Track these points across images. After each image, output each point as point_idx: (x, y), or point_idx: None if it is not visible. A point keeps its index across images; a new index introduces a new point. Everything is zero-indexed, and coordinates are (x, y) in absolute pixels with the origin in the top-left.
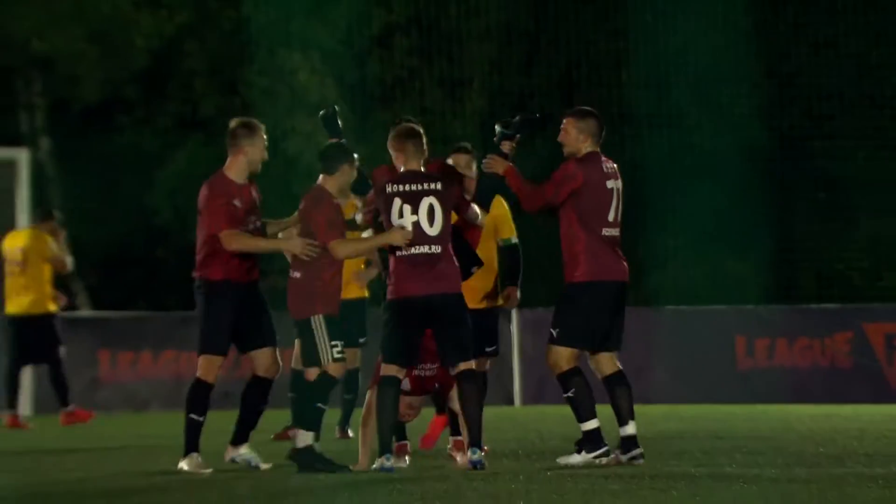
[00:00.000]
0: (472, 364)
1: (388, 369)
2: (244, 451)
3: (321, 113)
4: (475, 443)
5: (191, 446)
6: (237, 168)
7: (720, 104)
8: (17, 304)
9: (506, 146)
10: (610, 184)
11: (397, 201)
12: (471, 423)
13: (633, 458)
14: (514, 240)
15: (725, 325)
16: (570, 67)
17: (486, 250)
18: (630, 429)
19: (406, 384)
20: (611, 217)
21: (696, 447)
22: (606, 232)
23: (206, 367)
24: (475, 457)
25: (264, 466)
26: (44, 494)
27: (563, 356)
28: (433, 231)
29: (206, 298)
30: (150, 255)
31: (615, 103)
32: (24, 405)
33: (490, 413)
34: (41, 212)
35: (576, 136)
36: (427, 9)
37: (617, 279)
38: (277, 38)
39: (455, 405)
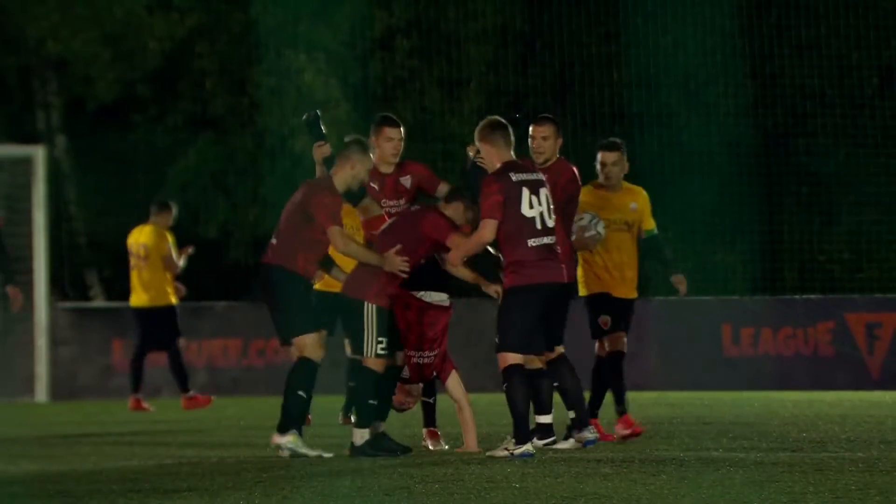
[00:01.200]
0: (562, 348)
1: (514, 358)
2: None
3: (304, 117)
4: (584, 422)
5: (294, 423)
6: (342, 177)
7: (707, 103)
8: (140, 297)
9: None
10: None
11: (525, 191)
12: (576, 403)
13: (550, 443)
14: (657, 230)
15: (712, 314)
16: (563, 68)
17: (628, 243)
18: (548, 419)
19: (405, 371)
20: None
21: (685, 432)
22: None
23: (311, 345)
24: (590, 436)
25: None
26: (58, 479)
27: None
28: (551, 223)
29: (285, 285)
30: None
31: (607, 103)
32: (41, 392)
33: (485, 399)
34: (158, 205)
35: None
36: (427, 12)
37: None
38: (284, 39)
39: (455, 393)
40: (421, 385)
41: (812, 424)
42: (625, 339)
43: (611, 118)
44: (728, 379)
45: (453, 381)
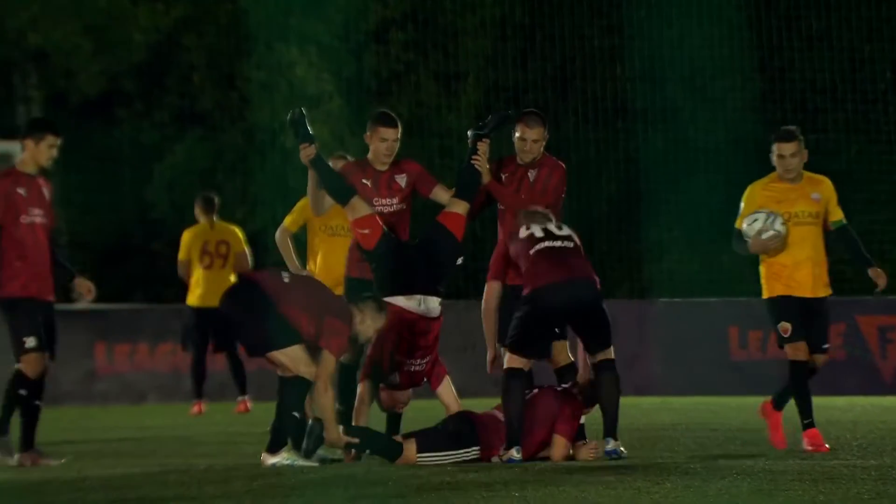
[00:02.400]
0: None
1: (515, 361)
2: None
3: (288, 117)
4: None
5: (284, 442)
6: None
7: (714, 98)
8: (213, 298)
9: (482, 146)
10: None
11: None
12: (607, 410)
13: None
14: (845, 220)
15: (719, 316)
16: (564, 62)
17: (814, 236)
18: None
19: (395, 377)
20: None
21: (690, 438)
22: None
23: (306, 360)
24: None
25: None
26: (39, 488)
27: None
28: (563, 231)
29: (272, 302)
30: (148, 247)
31: (610, 98)
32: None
33: (485, 404)
34: (206, 202)
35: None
36: (423, 3)
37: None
38: (275, 32)
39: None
40: (410, 391)
41: (822, 430)
42: (814, 350)
43: (614, 113)
44: (735, 383)
45: (445, 388)
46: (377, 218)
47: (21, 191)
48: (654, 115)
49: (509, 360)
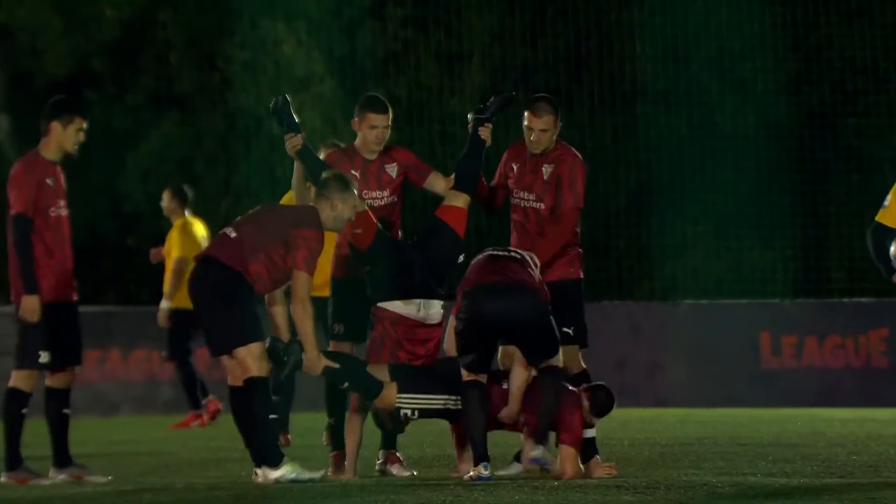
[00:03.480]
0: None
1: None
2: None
3: (271, 104)
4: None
5: (279, 452)
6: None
7: (743, 79)
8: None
9: (484, 131)
10: None
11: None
12: (543, 416)
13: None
14: None
15: (749, 320)
16: (578, 39)
17: None
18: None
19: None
20: None
21: (717, 454)
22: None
23: (258, 359)
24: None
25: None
26: None
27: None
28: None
29: (238, 290)
30: (121, 243)
31: (628, 79)
32: None
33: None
34: (181, 195)
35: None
36: None
37: None
38: (260, 7)
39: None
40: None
41: (863, 446)
42: None
43: (632, 96)
44: (767, 394)
45: None
46: (371, 215)
47: (49, 181)
48: (677, 99)
49: (465, 374)
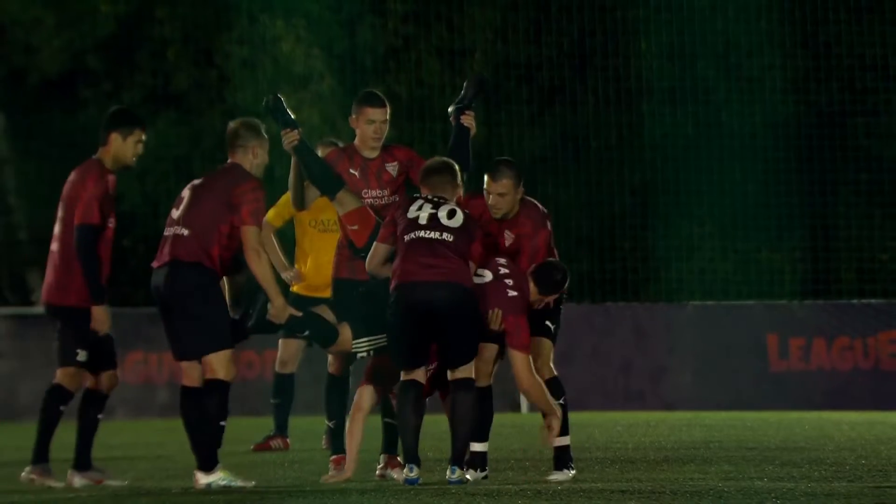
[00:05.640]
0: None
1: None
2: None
3: (263, 103)
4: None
5: (216, 457)
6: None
7: (750, 77)
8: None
9: (466, 119)
10: None
11: (419, 201)
12: (458, 434)
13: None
14: None
15: (756, 322)
16: (583, 36)
17: None
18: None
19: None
20: None
21: (724, 458)
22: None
23: (226, 365)
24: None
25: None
26: None
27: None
28: (451, 223)
29: (202, 288)
30: (117, 244)
31: (633, 77)
32: None
33: (495, 420)
34: None
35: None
36: None
37: None
38: (258, 2)
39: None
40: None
41: (873, 450)
42: None
43: (637, 94)
44: (774, 397)
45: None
46: (369, 212)
47: (112, 192)
48: (682, 97)
49: (403, 373)
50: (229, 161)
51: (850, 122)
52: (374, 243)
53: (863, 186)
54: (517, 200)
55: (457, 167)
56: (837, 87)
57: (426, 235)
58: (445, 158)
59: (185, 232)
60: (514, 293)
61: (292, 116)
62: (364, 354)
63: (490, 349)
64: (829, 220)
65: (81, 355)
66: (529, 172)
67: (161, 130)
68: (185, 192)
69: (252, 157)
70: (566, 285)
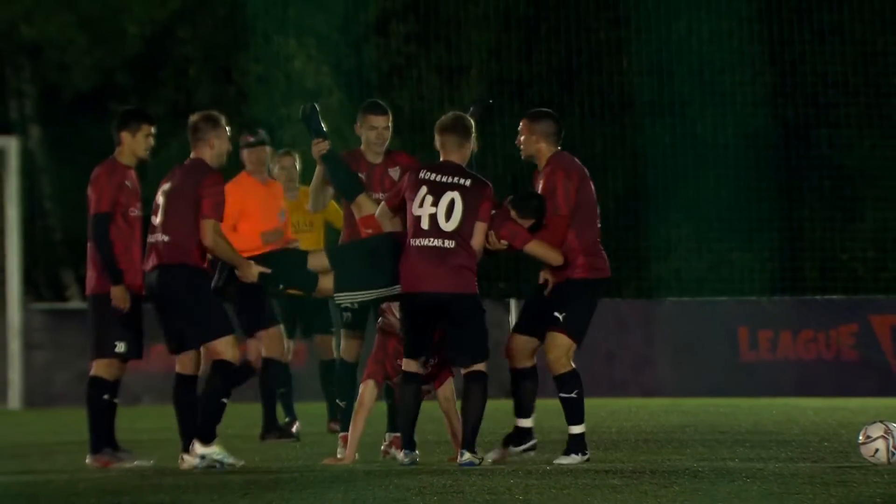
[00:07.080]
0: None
1: (409, 364)
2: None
3: (300, 111)
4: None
5: (214, 432)
6: (208, 161)
7: (723, 92)
8: None
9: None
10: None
11: (423, 189)
12: (468, 422)
13: (528, 448)
14: None
15: (728, 316)
16: (570, 54)
17: None
18: (530, 422)
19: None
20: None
21: (699, 441)
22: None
23: (229, 348)
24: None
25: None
26: (31, 492)
27: (567, 348)
28: (448, 226)
29: (192, 285)
30: (146, 242)
31: (616, 91)
32: (14, 399)
33: (489, 406)
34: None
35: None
36: None
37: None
38: (273, 24)
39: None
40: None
41: (834, 433)
42: None
43: (620, 108)
44: (745, 385)
45: (445, 392)
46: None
47: (129, 183)
48: (661, 110)
49: (405, 364)
50: (192, 156)
51: (813, 134)
52: (382, 204)
53: (825, 193)
54: (539, 147)
55: (468, 123)
56: (802, 102)
57: (429, 244)
58: (459, 113)
59: (166, 238)
60: (491, 211)
61: (324, 127)
62: (347, 305)
63: (531, 342)
64: (794, 222)
65: (120, 346)
66: (521, 180)
67: (183, 141)
68: (160, 199)
69: (209, 149)
70: (543, 213)
